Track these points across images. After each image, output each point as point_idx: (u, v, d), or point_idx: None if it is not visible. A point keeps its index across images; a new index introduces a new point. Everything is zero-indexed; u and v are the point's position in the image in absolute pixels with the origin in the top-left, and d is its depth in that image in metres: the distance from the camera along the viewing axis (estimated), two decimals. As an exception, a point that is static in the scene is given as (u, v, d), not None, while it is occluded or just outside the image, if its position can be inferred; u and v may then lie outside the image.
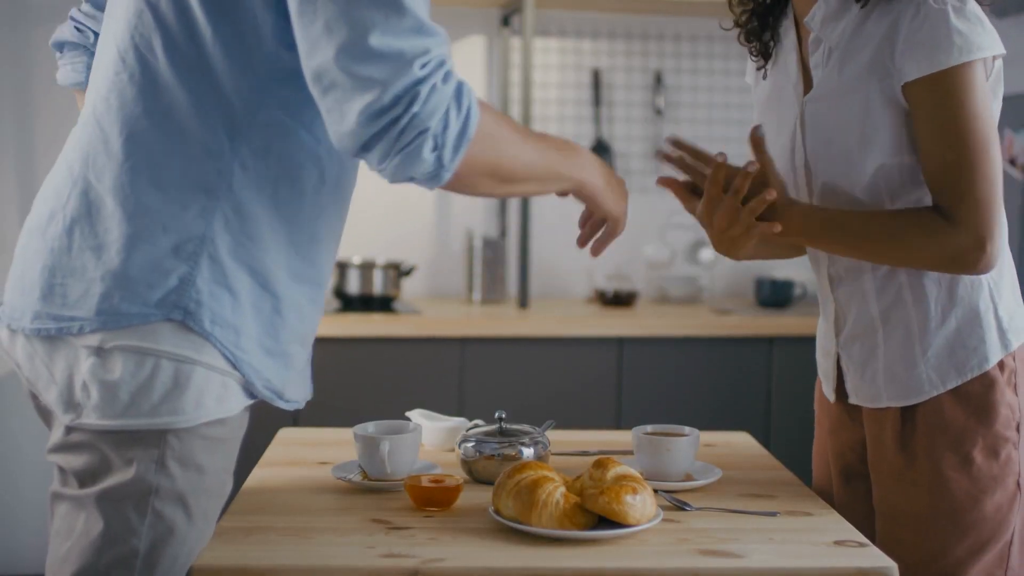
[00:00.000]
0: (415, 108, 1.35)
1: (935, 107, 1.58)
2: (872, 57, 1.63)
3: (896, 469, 1.71)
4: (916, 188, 1.66)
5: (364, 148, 1.38)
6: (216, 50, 1.42)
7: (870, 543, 1.53)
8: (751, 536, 1.54)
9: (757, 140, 1.69)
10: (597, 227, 1.73)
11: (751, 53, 1.87)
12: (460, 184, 1.45)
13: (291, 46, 1.42)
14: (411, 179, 1.41)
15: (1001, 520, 1.66)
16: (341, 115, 1.37)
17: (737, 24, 1.86)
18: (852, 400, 1.79)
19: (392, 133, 1.36)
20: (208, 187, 1.44)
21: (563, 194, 1.65)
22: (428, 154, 1.38)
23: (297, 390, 1.60)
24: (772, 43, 1.83)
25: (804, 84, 1.75)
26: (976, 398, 1.67)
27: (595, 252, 1.74)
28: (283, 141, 1.46)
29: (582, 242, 1.75)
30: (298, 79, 1.42)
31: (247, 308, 1.47)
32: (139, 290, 1.42)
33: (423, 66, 1.36)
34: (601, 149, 3.96)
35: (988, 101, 1.60)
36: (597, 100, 3.96)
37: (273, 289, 1.50)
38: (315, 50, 1.36)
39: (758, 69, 1.86)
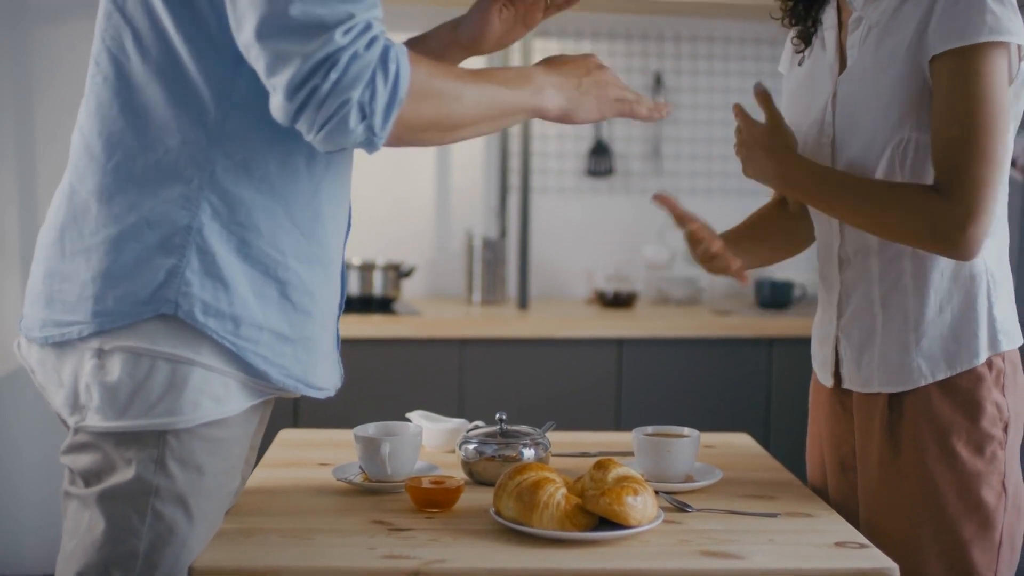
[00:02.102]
0: (333, 75, 1.32)
1: (951, 83, 1.60)
2: (910, 35, 1.66)
3: (882, 460, 1.72)
4: (921, 163, 1.67)
5: (294, 120, 1.36)
6: (181, 41, 1.42)
7: (871, 544, 1.53)
8: (752, 537, 1.54)
9: (763, 95, 1.79)
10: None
11: (792, 37, 1.90)
12: (400, 143, 1.43)
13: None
14: (343, 148, 1.40)
15: (986, 517, 1.66)
16: (272, 88, 1.36)
17: (783, 9, 1.89)
18: (846, 385, 1.80)
19: (313, 103, 1.33)
20: (189, 178, 1.43)
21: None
22: (356, 124, 1.35)
23: (326, 377, 1.59)
24: (813, 29, 1.85)
25: (840, 65, 1.78)
26: (963, 393, 1.68)
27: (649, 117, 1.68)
28: (262, 123, 1.44)
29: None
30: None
31: (248, 296, 1.46)
32: (130, 288, 1.43)
33: (345, 32, 1.33)
34: (601, 150, 3.96)
35: (1004, 88, 1.61)
36: (597, 101, 3.95)
37: (276, 274, 1.48)
38: (241, 25, 1.36)
39: (797, 52, 1.89)
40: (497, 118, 1.51)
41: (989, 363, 1.69)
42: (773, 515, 1.65)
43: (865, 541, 1.54)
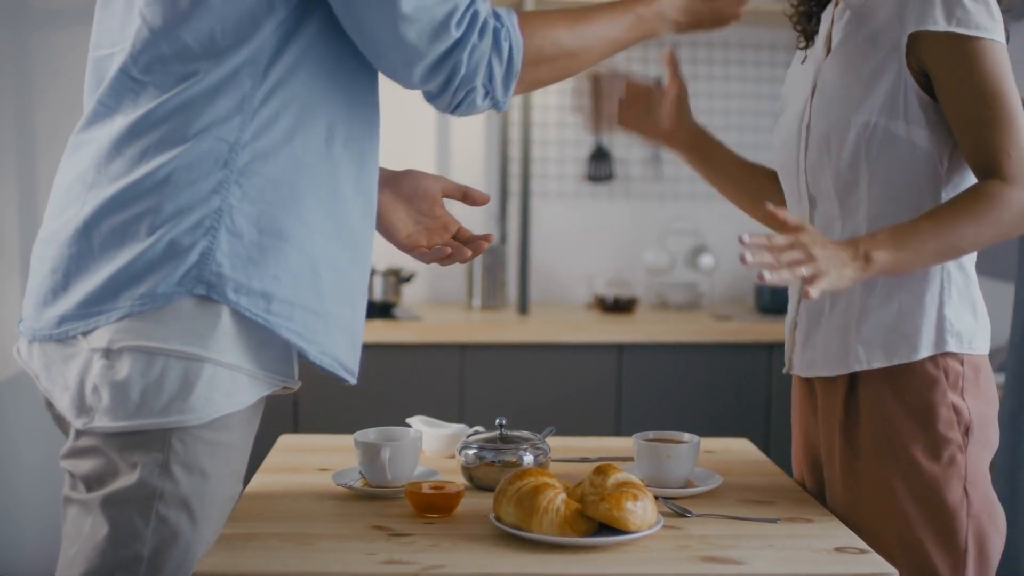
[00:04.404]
0: (462, 71, 1.48)
1: (959, 66, 1.61)
2: (884, 17, 1.68)
3: (843, 464, 1.73)
4: (888, 155, 1.67)
5: (428, 100, 1.54)
6: (220, 39, 1.45)
7: (871, 550, 1.53)
8: (752, 542, 1.54)
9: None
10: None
11: (798, 44, 1.91)
12: (525, 92, 1.63)
13: (288, 10, 1.47)
14: (475, 114, 1.56)
15: (947, 522, 1.65)
16: (400, 80, 1.51)
17: (793, 7, 1.91)
18: (794, 371, 1.82)
19: (446, 95, 1.51)
20: (223, 165, 1.46)
21: None
22: (481, 102, 1.53)
23: (355, 359, 1.60)
24: (815, 27, 1.87)
25: (826, 54, 1.80)
26: (915, 398, 1.67)
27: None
28: (291, 104, 1.49)
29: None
30: (299, 39, 1.48)
31: (281, 273, 1.48)
32: (163, 272, 1.44)
33: (458, 24, 1.46)
34: (601, 155, 3.97)
35: (1010, 72, 1.63)
36: (597, 106, 3.96)
37: (308, 250, 1.50)
38: (360, 29, 1.47)
39: (799, 48, 1.90)
40: (616, 48, 1.64)
41: (944, 367, 1.67)
42: (773, 520, 1.65)
43: (865, 546, 1.54)
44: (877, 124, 1.67)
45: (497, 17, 1.50)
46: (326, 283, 1.52)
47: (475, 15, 1.48)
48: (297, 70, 1.48)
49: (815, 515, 1.68)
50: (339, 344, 1.55)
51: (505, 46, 1.50)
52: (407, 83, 1.50)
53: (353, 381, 1.60)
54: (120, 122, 1.48)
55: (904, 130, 1.66)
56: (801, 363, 1.80)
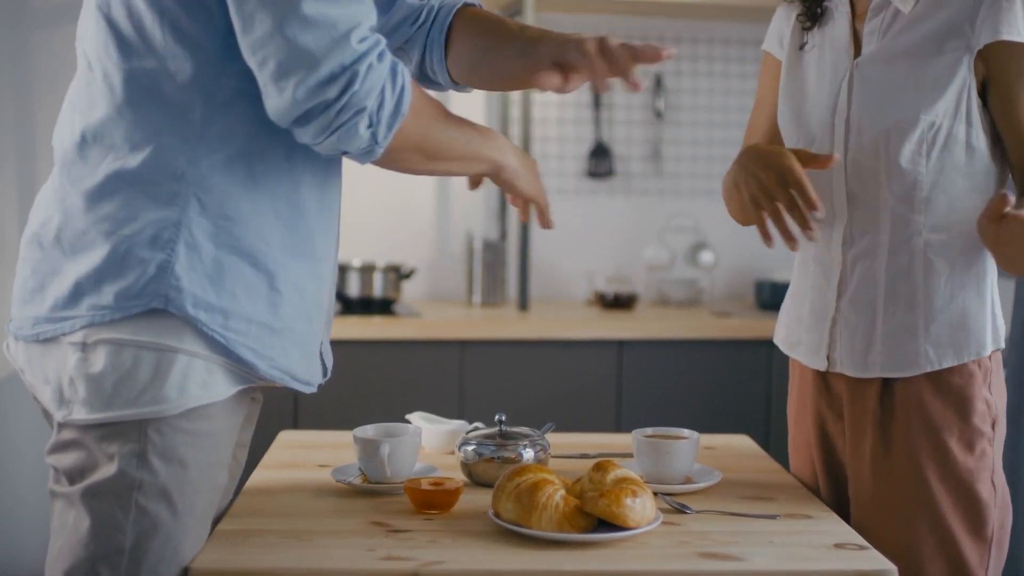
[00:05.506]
0: (355, 87, 1.38)
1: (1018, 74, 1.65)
2: (950, 20, 1.68)
3: (874, 458, 1.73)
4: (946, 158, 1.68)
5: (299, 123, 1.41)
6: (170, 43, 1.44)
7: (870, 546, 1.53)
8: (751, 539, 1.54)
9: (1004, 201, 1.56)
10: (526, 207, 1.76)
11: (802, 23, 1.88)
12: (390, 159, 1.49)
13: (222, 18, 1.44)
14: (344, 153, 1.46)
15: (978, 513, 1.68)
16: (278, 89, 1.39)
17: None
18: (838, 368, 1.78)
19: (330, 112, 1.39)
20: (180, 176, 1.45)
21: (478, 177, 1.72)
22: (363, 131, 1.41)
23: (311, 371, 1.59)
24: (820, 9, 1.86)
25: (855, 49, 1.79)
26: (955, 390, 1.69)
27: (546, 226, 1.75)
28: (248, 118, 1.47)
29: (524, 217, 1.79)
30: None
31: (238, 289, 1.47)
32: (122, 283, 1.44)
33: (360, 40, 1.39)
34: (601, 151, 3.96)
35: None
36: (597, 103, 3.96)
37: (265, 266, 1.50)
38: (250, 24, 1.39)
39: (804, 29, 1.87)
40: (466, 160, 1.60)
41: (979, 361, 1.70)
42: (772, 517, 1.65)
43: (864, 543, 1.54)
44: (941, 125, 1.68)
45: (394, 57, 1.45)
46: (284, 299, 1.52)
47: (377, 40, 1.41)
48: (254, 83, 1.44)
49: (815, 511, 1.69)
50: (293, 358, 1.54)
51: (400, 80, 1.43)
52: (291, 96, 1.38)
53: (310, 390, 1.60)
54: (79, 123, 1.49)
55: (965, 133, 1.68)
56: (855, 363, 1.76)
